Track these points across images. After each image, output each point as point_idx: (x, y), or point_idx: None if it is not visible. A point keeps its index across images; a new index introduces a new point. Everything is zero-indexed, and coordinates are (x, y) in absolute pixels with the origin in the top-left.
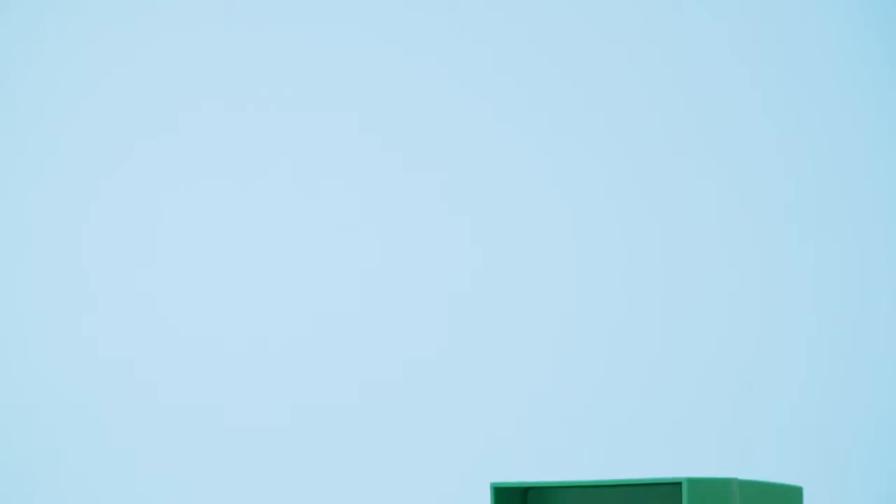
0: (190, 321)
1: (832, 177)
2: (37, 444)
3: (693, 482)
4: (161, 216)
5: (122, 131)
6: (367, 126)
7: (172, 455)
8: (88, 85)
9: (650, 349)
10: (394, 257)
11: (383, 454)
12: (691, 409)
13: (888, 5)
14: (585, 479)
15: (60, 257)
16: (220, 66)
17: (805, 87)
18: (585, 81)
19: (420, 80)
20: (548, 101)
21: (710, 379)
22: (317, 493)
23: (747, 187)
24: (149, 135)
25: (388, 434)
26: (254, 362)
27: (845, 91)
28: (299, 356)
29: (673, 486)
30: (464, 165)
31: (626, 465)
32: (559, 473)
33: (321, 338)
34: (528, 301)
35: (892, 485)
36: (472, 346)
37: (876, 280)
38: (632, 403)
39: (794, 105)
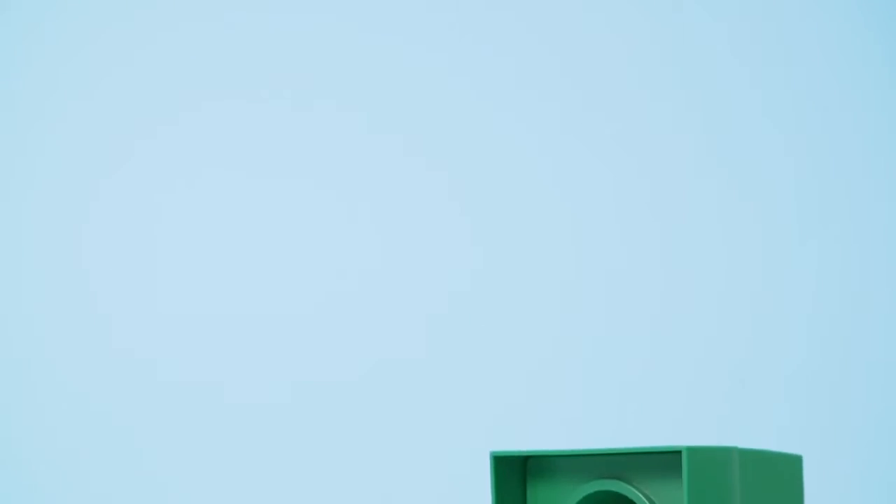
0: (193, 305)
1: (830, 162)
2: (39, 426)
3: (693, 451)
4: (161, 210)
5: (130, 124)
6: (369, 121)
7: (173, 432)
8: (95, 71)
9: (650, 321)
10: (396, 234)
11: (385, 426)
12: (691, 379)
13: (889, 5)
14: (585, 448)
15: (63, 244)
16: (222, 65)
17: (804, 77)
18: (588, 79)
19: (422, 76)
20: (549, 95)
21: (711, 350)
22: (321, 463)
23: (746, 174)
24: (151, 130)
25: (391, 406)
26: (261, 340)
27: (845, 84)
28: (307, 330)
29: (673, 455)
30: (462, 151)
31: (626, 434)
32: (559, 442)
33: (326, 313)
34: (530, 275)
35: (891, 454)
36: (472, 320)
37: (876, 254)
38: (632, 373)
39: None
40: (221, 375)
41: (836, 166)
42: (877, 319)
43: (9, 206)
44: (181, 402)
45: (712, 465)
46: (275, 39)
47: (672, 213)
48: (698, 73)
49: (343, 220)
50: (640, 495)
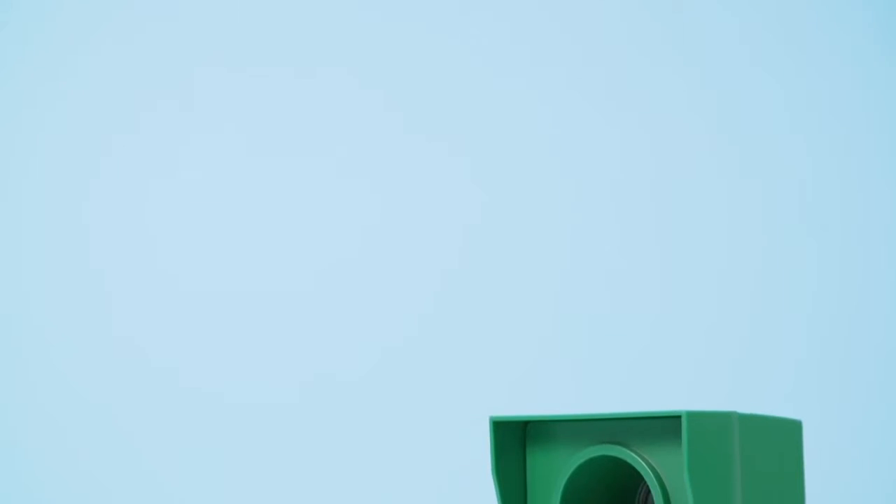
0: (193, 301)
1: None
2: (41, 424)
3: (692, 415)
4: (161, 200)
5: (126, 104)
6: (366, 87)
7: (170, 429)
8: (93, 47)
9: (651, 287)
10: (398, 201)
11: (386, 393)
12: (692, 344)
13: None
14: (584, 413)
15: (63, 239)
16: (222, 38)
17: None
18: (592, 48)
19: (418, 42)
20: (554, 62)
21: (711, 316)
22: (320, 427)
23: (751, 147)
24: (152, 106)
25: (392, 373)
26: (258, 313)
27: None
28: (310, 302)
29: (672, 420)
30: (463, 116)
31: (626, 400)
32: (558, 408)
33: (328, 281)
34: (531, 242)
35: (891, 419)
36: (473, 286)
37: (880, 221)
38: (631, 339)
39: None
40: (220, 370)
41: (838, 136)
42: (878, 285)
43: (8, 201)
44: (180, 399)
45: (712, 429)
46: (274, 11)
47: (674, 179)
48: (708, 58)
49: (343, 190)
50: (640, 460)
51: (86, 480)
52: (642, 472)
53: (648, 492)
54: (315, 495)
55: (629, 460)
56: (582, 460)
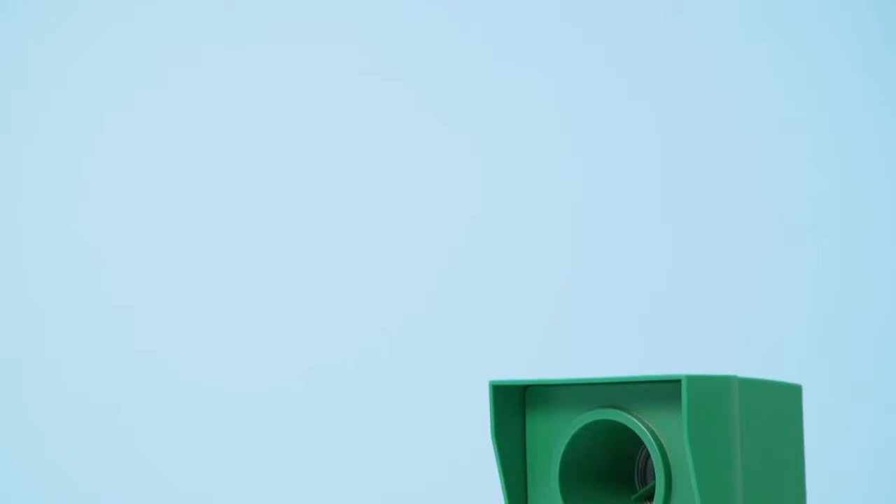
0: (194, 295)
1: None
2: (41, 417)
3: (692, 379)
4: (160, 186)
5: (123, 80)
6: (369, 64)
7: (167, 420)
8: (92, 19)
9: (651, 252)
10: (398, 169)
11: (386, 356)
12: (692, 308)
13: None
14: (584, 377)
15: (63, 232)
16: (223, 9)
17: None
18: (595, 29)
19: (424, 24)
20: (555, 41)
21: (712, 280)
22: (319, 391)
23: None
24: (150, 84)
25: (392, 336)
26: (258, 295)
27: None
28: (316, 270)
29: (672, 384)
30: (464, 88)
31: (626, 364)
32: (558, 372)
33: (335, 248)
34: (533, 207)
35: (891, 384)
36: (473, 251)
37: (880, 187)
38: (632, 303)
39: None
40: (218, 363)
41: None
42: (879, 251)
43: (4, 196)
44: (179, 390)
45: (712, 394)
46: None
47: (676, 144)
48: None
49: (347, 168)
50: (640, 424)
51: (85, 474)
52: (642, 437)
53: (648, 456)
54: (316, 456)
55: (629, 424)
56: (582, 425)
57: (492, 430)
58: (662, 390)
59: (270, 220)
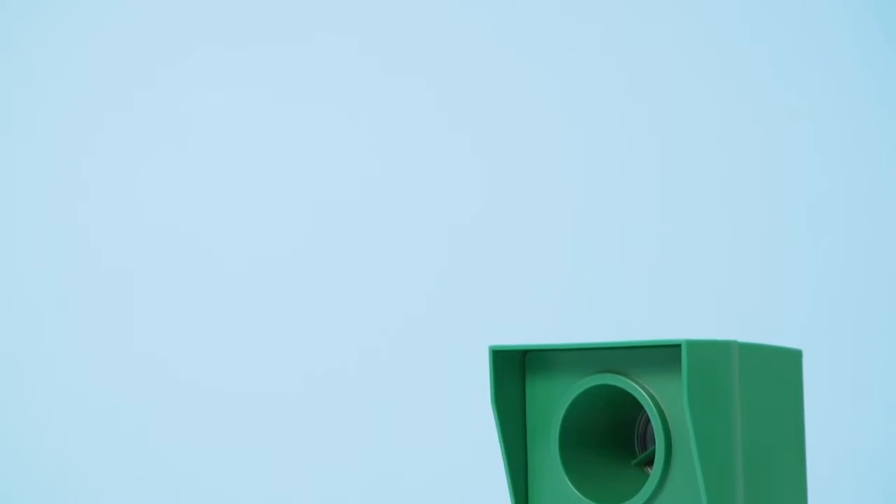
0: (196, 291)
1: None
2: (44, 415)
3: (692, 344)
4: (162, 179)
5: (123, 74)
6: (366, 50)
7: (169, 416)
8: (92, 15)
9: (652, 217)
10: (399, 145)
11: (387, 321)
12: (692, 274)
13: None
14: (584, 342)
15: (64, 226)
16: (222, 6)
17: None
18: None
19: (423, 13)
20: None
21: (712, 245)
22: (318, 357)
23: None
24: (151, 74)
25: (392, 301)
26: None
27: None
28: (314, 250)
29: (672, 349)
30: (460, 77)
31: (626, 329)
32: (558, 337)
33: (334, 221)
34: (533, 171)
35: (891, 349)
36: (473, 217)
37: (881, 139)
38: (633, 268)
39: None
40: (219, 362)
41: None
42: (878, 212)
43: (5, 191)
44: (179, 392)
45: (712, 358)
46: None
47: (673, 107)
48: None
49: (348, 156)
50: (640, 389)
51: (84, 475)
52: (642, 401)
53: (648, 421)
54: (317, 424)
55: (629, 389)
56: (581, 389)
57: (492, 396)
58: (663, 355)
59: (270, 220)
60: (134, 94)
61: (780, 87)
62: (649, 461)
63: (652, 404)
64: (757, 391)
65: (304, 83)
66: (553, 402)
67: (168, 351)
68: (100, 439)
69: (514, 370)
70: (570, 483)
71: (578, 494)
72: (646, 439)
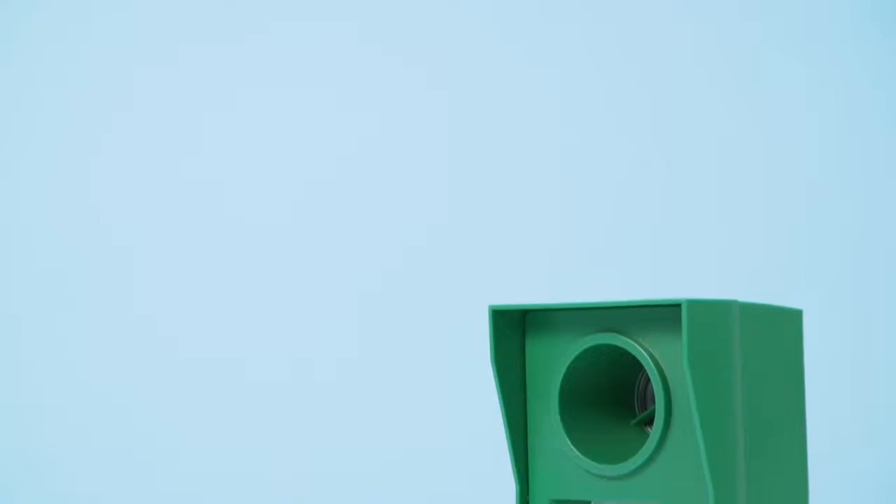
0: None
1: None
2: (47, 406)
3: (693, 304)
4: (168, 171)
5: (124, 68)
6: (366, 37)
7: (190, 408)
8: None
9: (652, 176)
10: (397, 117)
11: (387, 282)
12: (693, 233)
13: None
14: (584, 301)
15: (69, 220)
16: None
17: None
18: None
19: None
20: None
21: (712, 204)
22: (319, 320)
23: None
24: (151, 65)
25: (393, 262)
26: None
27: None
28: (308, 211)
29: (672, 308)
30: (460, 63)
31: (626, 289)
32: (558, 296)
33: (331, 190)
34: (531, 132)
35: (892, 310)
36: (472, 176)
37: (879, 102)
38: (632, 227)
39: None
40: (219, 362)
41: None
42: (880, 172)
43: (8, 187)
44: (181, 393)
45: (712, 318)
46: None
47: (671, 70)
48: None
49: (349, 155)
50: (640, 349)
51: (85, 474)
52: (642, 361)
53: (648, 381)
54: (315, 379)
55: (628, 349)
56: (581, 349)
57: (491, 355)
58: (663, 314)
59: (270, 216)
60: (134, 78)
61: (776, 49)
62: (649, 421)
63: (652, 364)
64: (757, 351)
65: (304, 70)
66: (553, 361)
67: (168, 351)
68: (99, 438)
69: (514, 330)
70: (569, 443)
71: (578, 454)
72: (646, 399)
